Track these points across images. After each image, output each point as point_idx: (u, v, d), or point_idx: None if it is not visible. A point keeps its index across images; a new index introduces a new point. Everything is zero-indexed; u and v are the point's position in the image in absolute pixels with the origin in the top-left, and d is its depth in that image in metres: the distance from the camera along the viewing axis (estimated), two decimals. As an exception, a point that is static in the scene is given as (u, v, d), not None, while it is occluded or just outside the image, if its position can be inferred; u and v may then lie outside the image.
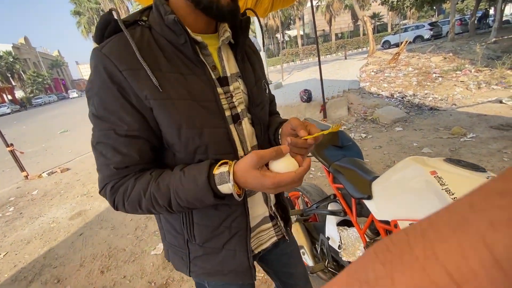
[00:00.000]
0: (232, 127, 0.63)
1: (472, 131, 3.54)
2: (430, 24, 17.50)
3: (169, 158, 0.61)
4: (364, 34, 27.86)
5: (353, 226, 1.19)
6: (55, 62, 55.97)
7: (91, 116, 0.56)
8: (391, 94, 6.16)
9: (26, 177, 4.63)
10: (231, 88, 0.64)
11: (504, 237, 0.12)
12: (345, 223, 1.31)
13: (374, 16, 35.28)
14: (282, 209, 0.82)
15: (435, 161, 0.85)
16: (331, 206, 1.35)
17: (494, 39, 9.56)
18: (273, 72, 14.79)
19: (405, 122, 4.36)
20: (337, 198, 1.26)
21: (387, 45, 19.04)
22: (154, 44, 0.56)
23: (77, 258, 2.30)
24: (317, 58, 4.88)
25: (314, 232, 1.54)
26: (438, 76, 6.58)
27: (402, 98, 5.76)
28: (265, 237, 0.76)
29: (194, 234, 0.66)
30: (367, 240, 1.09)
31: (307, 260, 1.48)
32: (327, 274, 1.33)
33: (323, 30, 39.57)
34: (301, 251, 1.49)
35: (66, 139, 8.00)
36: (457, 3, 16.46)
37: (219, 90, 0.61)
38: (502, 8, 12.62)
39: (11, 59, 36.76)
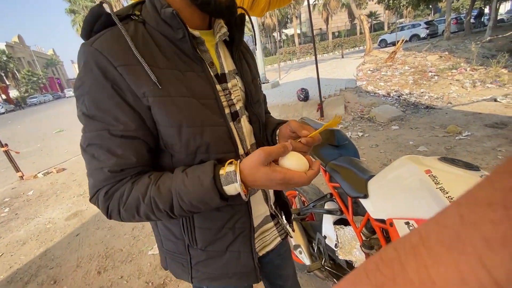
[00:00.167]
0: (231, 125, 0.62)
1: (467, 129, 3.58)
2: (426, 23, 17.61)
3: (166, 161, 0.58)
4: (361, 33, 27.94)
5: (350, 225, 1.20)
6: (50, 61, 55.39)
7: (81, 116, 0.52)
8: (387, 92, 6.19)
9: (21, 177, 4.59)
10: (229, 85, 0.63)
11: (503, 258, 0.11)
12: (341, 221, 1.32)
13: (371, 14, 35.39)
14: (282, 204, 0.81)
15: (430, 160, 0.86)
16: (328, 205, 1.35)
17: (489, 38, 9.64)
18: (270, 71, 14.79)
19: (401, 121, 4.39)
20: (333, 197, 1.27)
21: (383, 43, 19.11)
22: (150, 39, 0.53)
23: (74, 258, 2.28)
24: (314, 57, 4.88)
25: (311, 231, 1.54)
26: (434, 75, 6.63)
27: (399, 96, 5.79)
28: (268, 238, 0.75)
29: (196, 239, 0.63)
30: (363, 238, 1.10)
31: (304, 259, 1.48)
32: (324, 272, 1.34)
33: (320, 28, 39.60)
34: (298, 250, 1.50)
35: (61, 139, 7.93)
36: (453, 2, 16.57)
37: (218, 87, 0.59)
38: (497, 7, 12.72)
39: (5, 58, 36.31)
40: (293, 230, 1.20)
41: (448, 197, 0.70)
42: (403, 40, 10.16)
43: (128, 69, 0.49)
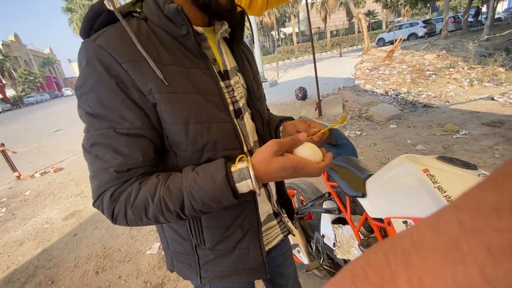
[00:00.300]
0: (236, 122, 0.62)
1: (464, 128, 3.59)
2: (424, 22, 17.63)
3: (170, 161, 0.57)
4: (359, 32, 27.97)
5: (348, 224, 1.20)
6: (47, 60, 54.99)
7: (84, 116, 0.50)
8: (385, 91, 6.20)
9: (18, 177, 4.56)
10: (232, 82, 0.63)
11: (508, 270, 0.10)
12: (339, 221, 1.32)
13: (369, 13, 35.39)
14: (285, 201, 0.81)
15: (428, 159, 0.86)
16: (326, 204, 1.35)
17: (486, 37, 9.68)
18: (268, 70, 14.77)
19: (399, 120, 4.40)
20: (331, 196, 1.27)
21: (381, 42, 19.13)
22: (153, 36, 0.52)
23: (71, 259, 2.27)
24: (312, 55, 4.88)
25: (309, 230, 1.54)
26: (432, 74, 6.65)
27: (396, 95, 5.81)
28: (272, 235, 0.76)
29: (204, 239, 0.62)
30: (362, 237, 1.10)
31: (302, 258, 1.48)
32: (322, 271, 1.34)
33: (318, 27, 39.59)
34: (297, 249, 1.50)
35: (59, 138, 7.88)
36: (450, 1, 16.61)
37: (221, 84, 0.59)
38: (494, 5, 12.77)
39: (1, 57, 35.99)
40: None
41: (446, 196, 0.70)
42: (401, 39, 10.18)
43: (133, 65, 0.48)
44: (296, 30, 37.29)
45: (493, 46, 8.39)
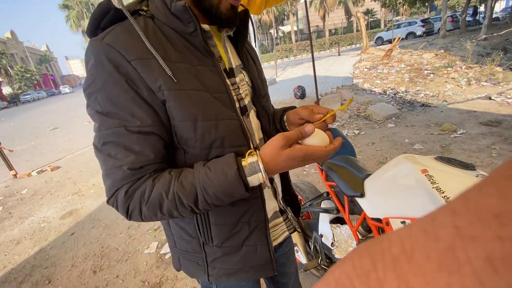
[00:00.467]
0: (242, 119, 0.62)
1: (462, 127, 3.61)
2: (422, 21, 17.67)
3: (179, 158, 0.57)
4: (357, 30, 27.95)
5: (346, 224, 1.20)
6: (44, 57, 54.50)
7: (95, 115, 0.51)
8: (383, 90, 6.21)
9: (15, 175, 4.53)
10: (237, 79, 0.63)
11: (509, 283, 0.09)
12: (338, 220, 1.32)
13: (368, 12, 35.39)
14: (291, 198, 0.81)
15: (426, 159, 0.86)
16: (324, 204, 1.35)
17: (484, 36, 9.71)
18: (267, 68, 14.75)
19: (397, 119, 4.41)
20: (330, 196, 1.27)
21: (380, 41, 19.15)
22: (160, 34, 0.53)
23: (69, 258, 2.26)
24: (310, 54, 4.87)
25: (307, 229, 1.54)
26: (430, 73, 6.66)
27: (395, 94, 5.82)
28: (278, 232, 0.76)
29: (212, 236, 0.63)
30: (360, 237, 1.10)
31: (301, 257, 1.49)
32: (320, 271, 1.35)
33: (317, 26, 39.52)
34: (295, 248, 1.50)
35: (56, 136, 7.84)
36: (449, 0, 16.63)
37: (227, 81, 0.60)
38: (492, 5, 12.80)
39: (-3, 54, 35.67)
40: (302, 226, 1.22)
41: (444, 196, 0.70)
42: (399, 38, 10.19)
43: (142, 63, 0.49)
44: (295, 28, 37.22)
45: (491, 46, 8.42)
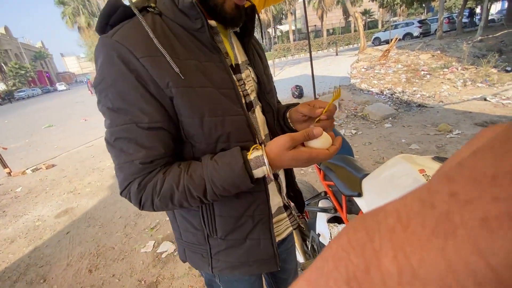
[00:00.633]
0: (248, 114, 0.63)
1: (458, 128, 3.64)
2: (419, 22, 17.78)
3: (187, 151, 0.59)
4: (355, 30, 28.06)
5: (344, 223, 1.20)
6: (39, 53, 53.82)
7: (106, 111, 0.53)
8: (381, 90, 6.24)
9: (9, 173, 4.47)
10: (243, 75, 0.64)
11: (503, 241, 0.09)
12: (335, 219, 1.33)
13: (365, 12, 35.52)
14: (295, 193, 0.82)
15: (424, 160, 0.86)
16: (322, 203, 1.36)
17: (480, 38, 9.80)
18: (264, 67, 14.68)
19: (394, 119, 4.44)
20: (327, 195, 1.27)
21: (377, 41, 19.23)
22: (168, 31, 0.54)
23: (64, 257, 2.24)
24: (308, 53, 4.87)
25: (305, 228, 1.55)
26: (426, 74, 6.71)
27: (392, 94, 5.85)
28: (282, 227, 0.77)
29: (216, 228, 0.64)
30: (357, 236, 1.10)
31: (298, 256, 1.49)
32: (318, 270, 1.35)
33: (315, 25, 39.57)
34: (292, 247, 1.51)
35: (51, 134, 7.75)
36: (445, 2, 16.75)
37: (234, 77, 0.61)
38: (488, 7, 12.93)
39: (-9, 50, 35.13)
40: (308, 217, 1.24)
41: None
42: (396, 39, 10.24)
43: (151, 60, 0.50)
44: (293, 27, 37.22)
45: (486, 47, 8.50)
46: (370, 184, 0.99)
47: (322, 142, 0.55)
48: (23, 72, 39.24)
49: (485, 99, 4.64)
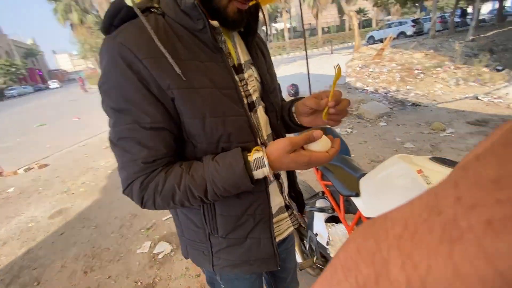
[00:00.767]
0: (249, 115, 0.63)
1: (451, 126, 3.69)
2: (413, 21, 17.97)
3: (189, 151, 0.60)
4: (350, 29, 28.16)
5: (341, 223, 1.21)
6: (30, 51, 52.67)
7: (109, 111, 0.54)
8: (375, 89, 6.29)
9: (1, 174, 4.38)
10: (245, 75, 0.64)
11: (510, 243, 0.09)
12: (333, 219, 1.33)
13: (360, 11, 35.67)
14: (296, 194, 0.83)
15: (421, 160, 0.87)
16: (320, 203, 1.36)
17: (471, 37, 9.94)
18: (260, 66, 14.67)
19: (388, 118, 4.48)
20: (325, 195, 1.28)
21: (371, 40, 19.38)
22: (171, 31, 0.54)
23: (58, 258, 2.21)
24: (304, 51, 4.87)
25: (303, 228, 1.55)
26: (420, 73, 6.78)
27: (386, 93, 5.90)
28: (283, 227, 0.77)
29: (217, 227, 0.65)
30: (355, 236, 1.11)
31: (296, 256, 1.49)
32: (316, 270, 1.36)
33: (310, 23, 39.59)
34: (290, 247, 1.51)
35: (43, 133, 7.61)
36: (438, 1, 16.93)
37: (236, 77, 0.61)
38: (479, 7, 13.11)
39: (-20, 47, 34.24)
40: (307, 218, 1.27)
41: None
42: (391, 38, 10.32)
43: (153, 61, 0.50)
44: (288, 26, 37.19)
45: (478, 47, 8.63)
46: (367, 184, 1.00)
47: (321, 145, 0.55)
48: (13, 69, 38.36)
49: (477, 98, 4.71)
